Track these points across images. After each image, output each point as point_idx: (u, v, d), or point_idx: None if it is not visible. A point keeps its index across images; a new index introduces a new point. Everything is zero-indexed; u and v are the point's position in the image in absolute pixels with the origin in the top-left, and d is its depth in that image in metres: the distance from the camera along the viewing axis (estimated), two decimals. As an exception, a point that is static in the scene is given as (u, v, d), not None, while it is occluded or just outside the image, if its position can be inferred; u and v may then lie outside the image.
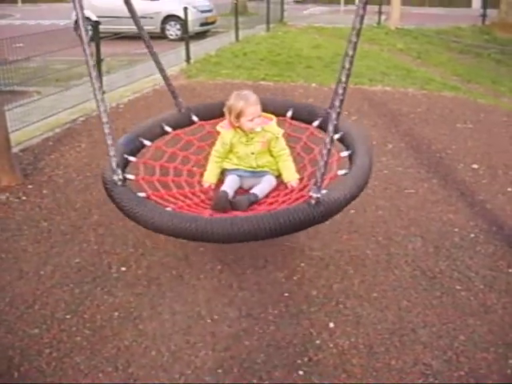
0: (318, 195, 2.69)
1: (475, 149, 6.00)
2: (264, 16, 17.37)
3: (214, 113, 3.96)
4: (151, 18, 15.11)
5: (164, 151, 3.87)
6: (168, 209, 3.05)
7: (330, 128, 2.57)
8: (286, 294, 3.40)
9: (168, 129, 3.88)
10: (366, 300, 3.35)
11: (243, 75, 9.89)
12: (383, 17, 18.59)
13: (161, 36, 15.82)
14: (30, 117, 7.06)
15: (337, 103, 2.53)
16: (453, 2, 31.33)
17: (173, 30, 16.13)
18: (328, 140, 2.59)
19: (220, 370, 2.78)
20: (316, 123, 3.85)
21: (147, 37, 3.78)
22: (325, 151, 2.61)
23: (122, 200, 2.92)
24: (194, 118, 4.02)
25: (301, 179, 3.63)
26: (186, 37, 11.44)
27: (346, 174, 3.13)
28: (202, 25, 16.49)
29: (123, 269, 3.68)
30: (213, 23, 17.56)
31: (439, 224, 4.30)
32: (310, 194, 2.71)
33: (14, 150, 5.57)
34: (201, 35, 16.00)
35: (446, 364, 2.82)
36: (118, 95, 8.59)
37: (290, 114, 3.96)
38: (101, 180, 3.19)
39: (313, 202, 2.69)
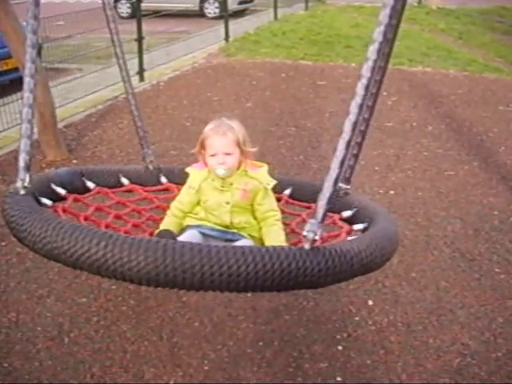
0: (316, 236, 1.66)
1: (517, 132, 5.93)
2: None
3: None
4: (189, -5, 15.13)
5: (110, 198, 2.84)
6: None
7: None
8: (325, 272, 3.45)
9: (125, 181, 2.91)
10: (405, 279, 3.39)
11: (282, 54, 9.87)
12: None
13: (199, 14, 15.86)
14: (72, 94, 7.21)
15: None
16: (497, -19, 30.43)
17: (211, 9, 16.12)
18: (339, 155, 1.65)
19: (261, 343, 2.87)
20: None
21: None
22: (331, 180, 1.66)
23: (11, 209, 1.98)
24: (163, 180, 3.01)
25: None
26: (226, 15, 11.44)
27: (362, 235, 2.24)
28: (241, 3, 16.41)
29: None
30: (251, 1, 17.47)
31: (479, 207, 4.29)
32: (304, 233, 1.68)
33: (59, 126, 5.69)
34: (239, 14, 15.93)
35: (483, 345, 2.85)
36: (157, 73, 8.69)
37: (288, 192, 2.87)
38: None
39: (307, 245, 1.68)
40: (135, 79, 8.21)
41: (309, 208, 2.76)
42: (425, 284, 3.35)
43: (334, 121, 6.32)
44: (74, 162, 5.13)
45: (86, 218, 2.45)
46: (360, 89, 1.64)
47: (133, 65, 8.50)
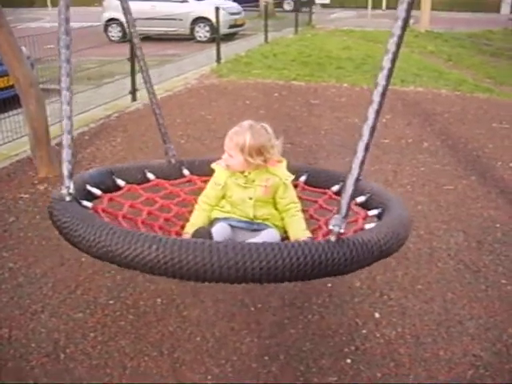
0: (342, 229, 1.89)
1: (513, 148, 5.92)
2: (291, 20, 17.40)
3: (209, 169, 2.93)
4: (180, 20, 15.23)
5: (140, 194, 2.99)
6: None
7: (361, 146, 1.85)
8: (329, 285, 3.37)
9: (151, 176, 3.10)
10: (411, 292, 3.31)
11: (274, 75, 9.89)
12: (412, 20, 18.48)
13: (190, 38, 15.95)
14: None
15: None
16: (481, 7, 31.03)
17: (202, 32, 16.21)
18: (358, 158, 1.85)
19: (266, 357, 2.76)
20: (335, 188, 2.92)
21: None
22: (355, 165, 1.86)
23: (62, 216, 2.17)
24: (185, 172, 3.21)
25: (313, 238, 2.58)
26: (217, 37, 11.49)
27: (377, 225, 2.39)
28: (231, 27, 16.55)
29: (164, 257, 3.67)
30: (241, 25, 17.62)
31: (480, 220, 4.23)
32: (330, 227, 1.91)
33: (51, 143, 5.62)
34: (229, 37, 16.04)
35: (495, 356, 2.76)
36: (150, 93, 8.62)
37: (303, 178, 3.05)
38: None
39: (333, 238, 1.90)
40: (128, 99, 8.18)
41: (324, 194, 2.96)
42: (431, 296, 3.27)
43: (330, 138, 6.30)
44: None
45: (123, 217, 2.65)
46: (371, 113, 1.83)
47: (125, 85, 8.49)
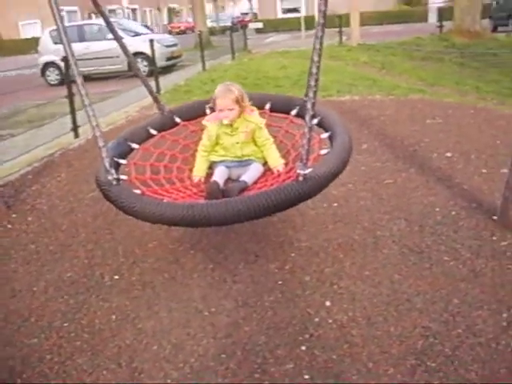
0: (306, 172, 2.84)
1: (447, 139, 6.16)
2: (228, 47, 17.69)
3: (196, 112, 4.14)
4: (117, 56, 15.26)
5: (152, 152, 3.98)
6: (164, 201, 3.17)
7: (309, 106, 2.76)
8: (280, 282, 3.44)
9: (153, 131, 4.03)
10: (359, 279, 3.40)
11: (214, 99, 10.01)
12: (344, 37, 19.06)
13: (129, 73, 15.98)
14: (5, 156, 7.06)
15: (312, 83, 2.75)
16: (410, 18, 32.24)
17: (140, 67, 16.28)
18: (308, 118, 2.77)
19: (223, 355, 2.80)
20: (294, 112, 3.99)
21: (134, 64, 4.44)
22: (306, 129, 2.77)
23: (119, 197, 3.04)
24: (177, 120, 4.17)
25: (286, 163, 3.75)
26: (155, 68, 11.59)
27: (328, 153, 3.28)
28: (168, 59, 16.69)
29: (116, 277, 3.68)
30: (178, 57, 17.80)
31: (421, 206, 4.39)
32: (297, 171, 2.85)
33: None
34: (167, 70, 16.18)
35: (443, 325, 2.88)
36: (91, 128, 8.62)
37: (268, 106, 4.08)
38: (95, 183, 3.30)
39: (301, 178, 2.85)
40: (70, 136, 8.15)
41: (286, 119, 4.05)
42: (379, 280, 3.37)
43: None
44: (14, 216, 4.98)
45: (151, 179, 3.68)
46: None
47: (65, 124, 8.45)
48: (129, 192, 3.11)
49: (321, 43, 2.72)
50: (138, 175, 3.61)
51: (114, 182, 3.12)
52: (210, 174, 3.84)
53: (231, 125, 3.68)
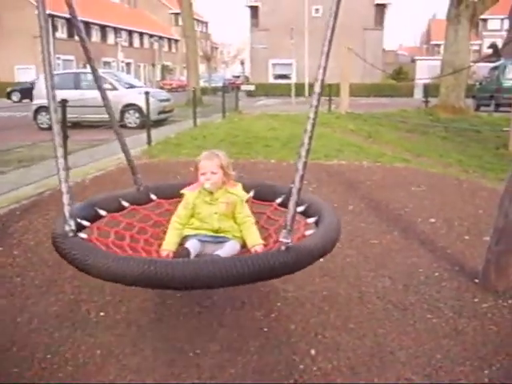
0: (289, 240, 2.58)
1: (431, 206, 6.33)
2: (218, 106, 18.11)
3: (173, 192, 3.77)
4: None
5: (120, 221, 3.66)
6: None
7: (299, 166, 2.59)
8: (266, 329, 3.47)
9: (125, 203, 3.76)
10: (344, 330, 3.45)
11: (204, 154, 10.18)
12: (333, 105, 19.63)
13: (120, 124, 16.23)
14: (-6, 192, 7.09)
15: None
16: (396, 93, 33.35)
17: (132, 119, 16.57)
18: (297, 178, 2.58)
19: (207, 395, 2.81)
20: (279, 200, 3.71)
21: (114, 118, 3.97)
22: (294, 189, 2.57)
23: (72, 249, 2.74)
24: (153, 197, 3.92)
25: (265, 245, 3.42)
26: (148, 121, 11.80)
27: (314, 232, 3.05)
28: (160, 113, 17.00)
29: (102, 314, 3.69)
30: (170, 112, 18.14)
31: (405, 267, 4.49)
32: (280, 239, 2.60)
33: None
34: (159, 123, 16.46)
35: (426, 378, 2.93)
36: (82, 172, 8.73)
37: (251, 193, 3.78)
38: (51, 236, 3.00)
39: (283, 247, 2.58)
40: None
41: (270, 206, 3.75)
42: (363, 333, 3.42)
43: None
44: (0, 249, 4.97)
45: (113, 243, 3.30)
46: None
47: (52, 166, 8.52)
48: (84, 244, 2.83)
49: (315, 113, 2.60)
50: (99, 238, 3.26)
51: (71, 234, 2.84)
52: None
53: (211, 193, 3.39)
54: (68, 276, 4.32)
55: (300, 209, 3.14)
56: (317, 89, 2.56)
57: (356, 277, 4.27)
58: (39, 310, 3.76)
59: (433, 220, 5.80)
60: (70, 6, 3.29)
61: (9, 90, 36.85)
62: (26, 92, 35.74)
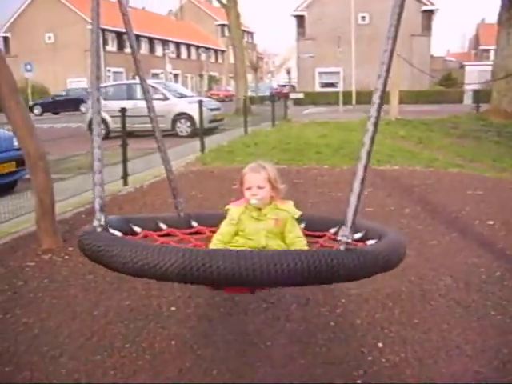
0: (349, 240, 2.15)
1: (488, 209, 6.31)
2: (267, 115, 18.33)
3: (215, 221, 3.25)
4: (162, 116, 15.90)
5: (154, 239, 3.22)
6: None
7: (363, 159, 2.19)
8: (332, 324, 3.58)
9: (163, 226, 3.35)
10: (409, 325, 3.52)
11: (257, 161, 10.35)
12: (382, 112, 19.57)
13: (172, 133, 16.62)
14: (57, 196, 7.39)
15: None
16: (445, 99, 32.91)
17: (183, 128, 16.93)
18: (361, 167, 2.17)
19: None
20: (333, 230, 3.16)
21: (159, 133, 3.68)
22: (356, 184, 2.15)
23: (97, 242, 2.40)
24: (194, 224, 3.48)
25: None
26: (201, 128, 12.08)
27: (378, 242, 2.66)
28: (211, 122, 17.31)
29: (173, 308, 3.86)
30: (220, 120, 18.46)
31: (465, 266, 4.52)
32: (339, 237, 2.19)
33: (56, 217, 5.85)
34: (209, 132, 16.76)
35: (494, 371, 2.97)
36: (140, 179, 9.03)
37: (303, 225, 3.23)
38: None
39: (342, 247, 2.15)
40: (119, 183, 8.52)
41: (324, 236, 3.17)
42: (428, 327, 3.49)
43: (317, 208, 6.63)
44: (70, 249, 5.22)
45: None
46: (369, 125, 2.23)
47: (111, 173, 8.83)
48: (109, 236, 2.49)
49: (375, 124, 2.25)
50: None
51: (99, 229, 2.52)
52: None
53: (259, 208, 2.90)
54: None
55: (358, 235, 2.74)
56: (376, 99, 2.21)
57: (417, 276, 4.33)
58: (113, 304, 3.96)
59: (491, 222, 5.79)
60: (124, 14, 3.22)
61: (31, 103, 35.75)
62: (48, 106, 36.67)
